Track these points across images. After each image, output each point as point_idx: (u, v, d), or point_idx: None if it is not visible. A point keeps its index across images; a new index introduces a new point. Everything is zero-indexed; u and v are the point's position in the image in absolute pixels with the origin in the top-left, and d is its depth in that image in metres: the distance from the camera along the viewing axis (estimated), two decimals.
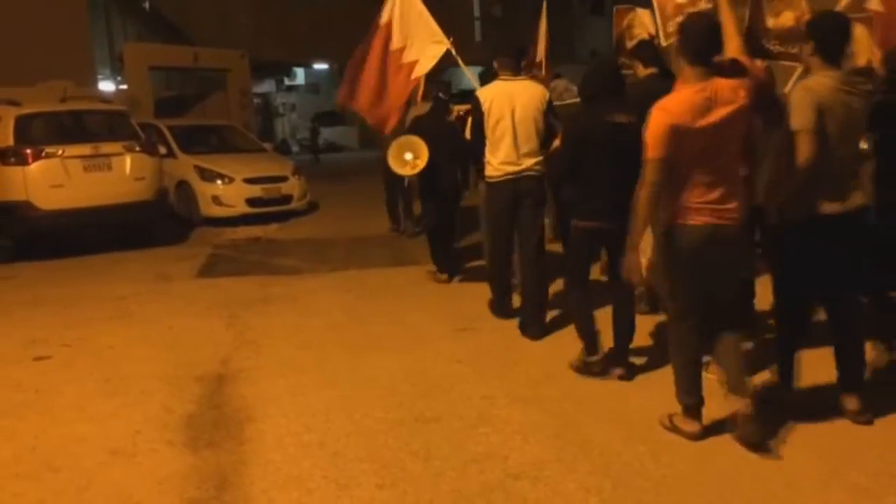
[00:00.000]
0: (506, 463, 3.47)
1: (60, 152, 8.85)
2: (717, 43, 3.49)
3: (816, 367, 4.14)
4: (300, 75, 35.94)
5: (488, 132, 5.23)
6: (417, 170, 6.38)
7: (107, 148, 9.23)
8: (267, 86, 35.05)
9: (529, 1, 11.77)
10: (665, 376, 4.37)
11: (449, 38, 6.08)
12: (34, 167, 8.73)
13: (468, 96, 5.77)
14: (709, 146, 3.36)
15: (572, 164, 4.37)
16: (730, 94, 3.38)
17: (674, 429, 3.70)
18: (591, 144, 4.25)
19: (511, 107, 5.15)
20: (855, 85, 3.60)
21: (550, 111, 5.25)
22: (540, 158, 5.24)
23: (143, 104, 15.35)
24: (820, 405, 3.85)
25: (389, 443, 3.73)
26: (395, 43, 6.00)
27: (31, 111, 9.22)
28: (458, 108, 6.96)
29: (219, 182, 11.27)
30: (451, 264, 7.16)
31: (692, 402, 3.65)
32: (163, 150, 10.91)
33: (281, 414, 4.15)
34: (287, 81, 36.27)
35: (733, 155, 3.48)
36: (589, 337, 4.53)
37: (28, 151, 8.73)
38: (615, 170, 4.16)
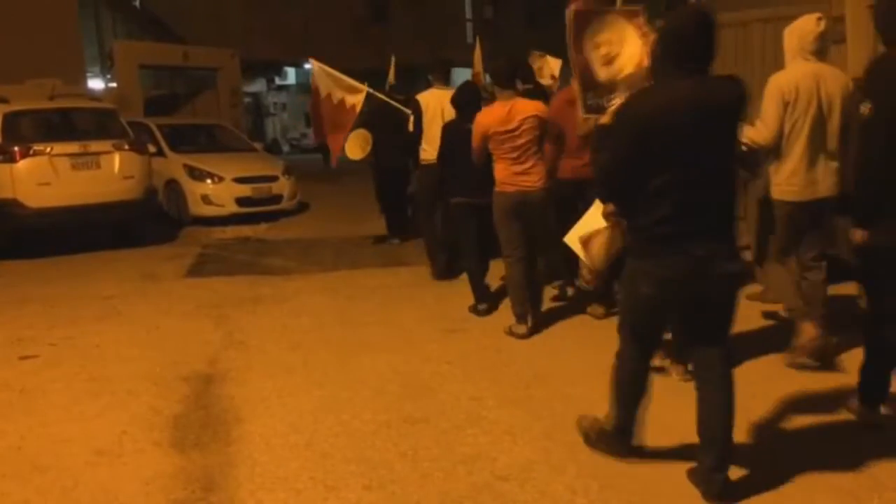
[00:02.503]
0: (494, 464, 3.47)
1: (48, 150, 8.80)
2: (521, 73, 5.96)
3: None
4: (291, 75, 35.90)
5: (425, 127, 6.77)
6: (365, 153, 8.43)
7: (95, 146, 9.19)
8: (258, 85, 35.00)
9: (519, 3, 11.94)
10: (656, 381, 4.39)
11: (364, 83, 8.02)
12: (22, 165, 8.68)
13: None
14: (509, 140, 5.12)
15: (447, 154, 6.02)
16: (523, 108, 5.15)
17: (510, 333, 5.33)
18: (457, 143, 5.71)
19: (440, 108, 6.64)
20: None
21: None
22: None
23: (132, 102, 15.26)
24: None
25: (377, 444, 3.72)
26: (323, 93, 8.15)
27: (19, 108, 9.17)
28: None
29: (208, 181, 11.24)
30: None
31: (521, 311, 5.33)
32: (152, 148, 10.84)
33: (269, 415, 4.13)
34: (278, 81, 36.23)
35: (527, 145, 5.15)
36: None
37: (16, 149, 8.68)
38: (469, 159, 5.49)
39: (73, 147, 9.01)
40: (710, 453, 3.13)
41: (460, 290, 6.54)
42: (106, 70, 20.02)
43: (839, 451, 3.49)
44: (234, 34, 26.33)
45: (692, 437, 3.63)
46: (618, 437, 3.43)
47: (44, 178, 8.76)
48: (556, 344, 5.22)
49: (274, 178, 11.88)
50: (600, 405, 3.94)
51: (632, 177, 3.02)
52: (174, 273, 8.02)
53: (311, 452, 3.66)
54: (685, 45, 2.98)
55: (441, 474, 3.40)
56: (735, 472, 3.30)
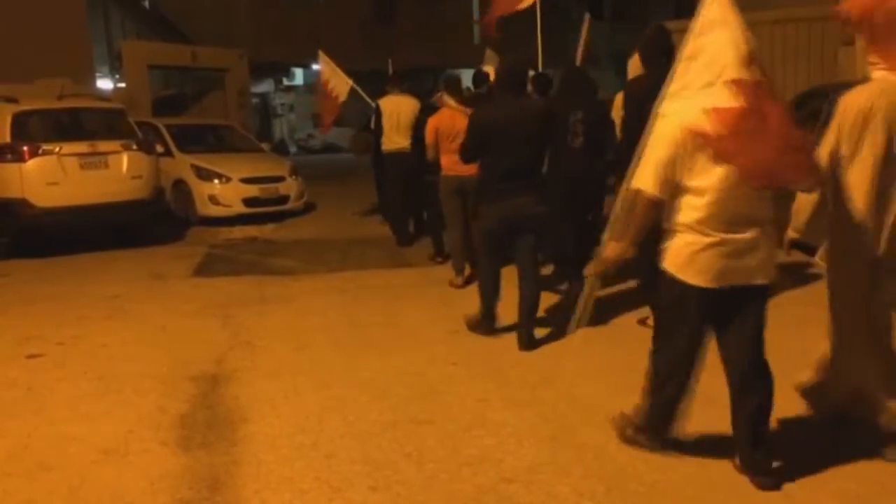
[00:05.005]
0: (500, 466, 3.47)
1: (57, 150, 8.83)
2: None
3: None
4: (299, 75, 35.95)
5: (385, 125, 8.63)
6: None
7: (104, 146, 9.22)
8: (265, 86, 35.05)
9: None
10: None
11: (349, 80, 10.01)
12: (31, 164, 8.70)
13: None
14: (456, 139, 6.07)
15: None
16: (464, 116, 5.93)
17: (451, 285, 6.90)
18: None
19: (398, 111, 8.59)
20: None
21: (422, 117, 7.87)
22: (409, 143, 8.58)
23: (140, 103, 15.33)
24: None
25: (383, 445, 3.72)
26: (325, 82, 10.44)
27: (29, 108, 9.19)
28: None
29: (216, 181, 11.25)
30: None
31: (461, 266, 6.92)
32: (160, 148, 10.89)
33: (274, 415, 4.14)
34: (286, 81, 36.27)
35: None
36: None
37: (25, 148, 8.70)
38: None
39: (81, 147, 9.04)
40: (521, 314, 5.19)
41: (467, 292, 6.55)
42: (115, 70, 20.11)
43: (847, 455, 3.47)
44: (243, 35, 26.41)
45: (699, 439, 3.62)
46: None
47: (52, 178, 8.78)
48: (561, 345, 5.21)
49: (281, 179, 11.89)
50: (607, 406, 3.94)
51: (477, 154, 5.23)
52: (181, 273, 8.04)
53: (316, 453, 3.66)
54: (508, 81, 5.17)
55: (446, 476, 3.39)
56: (743, 476, 3.29)
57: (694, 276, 3.13)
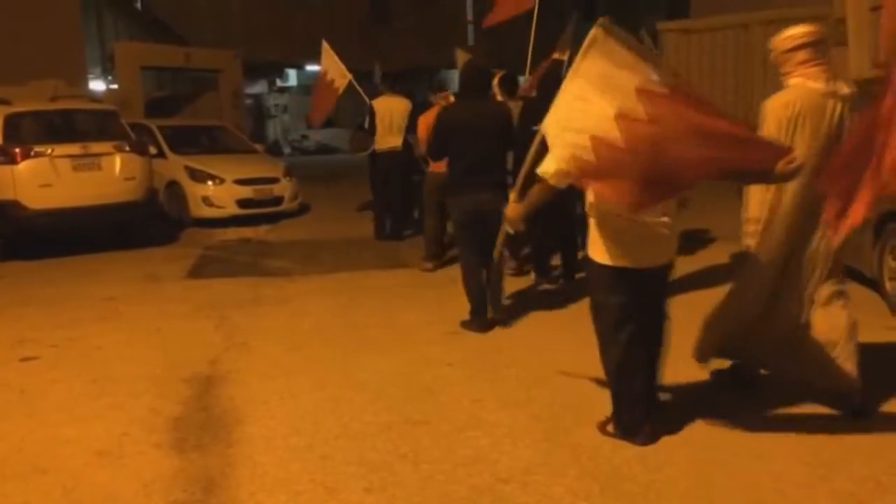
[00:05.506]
0: (495, 467, 3.46)
1: (50, 151, 8.80)
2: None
3: None
4: (293, 77, 35.91)
5: (378, 124, 9.03)
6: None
7: (96, 147, 9.19)
8: (259, 87, 34.99)
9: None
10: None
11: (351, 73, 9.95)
12: (23, 166, 8.67)
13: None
14: None
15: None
16: None
17: (422, 269, 7.50)
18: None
19: (391, 112, 9.04)
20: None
21: (413, 116, 8.53)
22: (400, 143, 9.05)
23: (133, 104, 15.27)
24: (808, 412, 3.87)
25: (378, 446, 3.72)
26: (324, 73, 10.35)
27: (21, 110, 9.17)
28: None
29: (209, 183, 11.23)
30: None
31: (435, 251, 7.57)
32: (153, 150, 10.83)
33: (269, 416, 4.13)
34: (279, 83, 36.22)
35: None
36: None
37: (17, 150, 8.67)
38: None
39: (74, 148, 9.00)
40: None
41: (461, 292, 6.55)
42: (107, 71, 20.06)
43: (842, 454, 3.48)
44: (236, 36, 26.36)
45: (695, 440, 3.63)
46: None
47: (45, 180, 8.75)
48: (556, 345, 5.21)
49: (275, 180, 11.87)
50: (602, 406, 3.95)
51: (440, 151, 5.69)
52: (175, 274, 8.02)
53: (311, 454, 3.66)
54: (470, 82, 5.60)
55: (442, 476, 3.39)
56: (738, 476, 3.30)
57: (612, 259, 3.54)
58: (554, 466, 3.45)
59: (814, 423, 3.78)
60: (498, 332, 5.44)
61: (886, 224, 5.44)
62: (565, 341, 5.26)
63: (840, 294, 3.79)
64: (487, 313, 5.59)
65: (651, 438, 3.62)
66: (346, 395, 4.40)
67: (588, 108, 3.23)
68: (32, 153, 8.72)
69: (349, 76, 9.98)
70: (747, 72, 12.05)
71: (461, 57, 9.72)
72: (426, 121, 7.13)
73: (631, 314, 3.58)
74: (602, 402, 4.15)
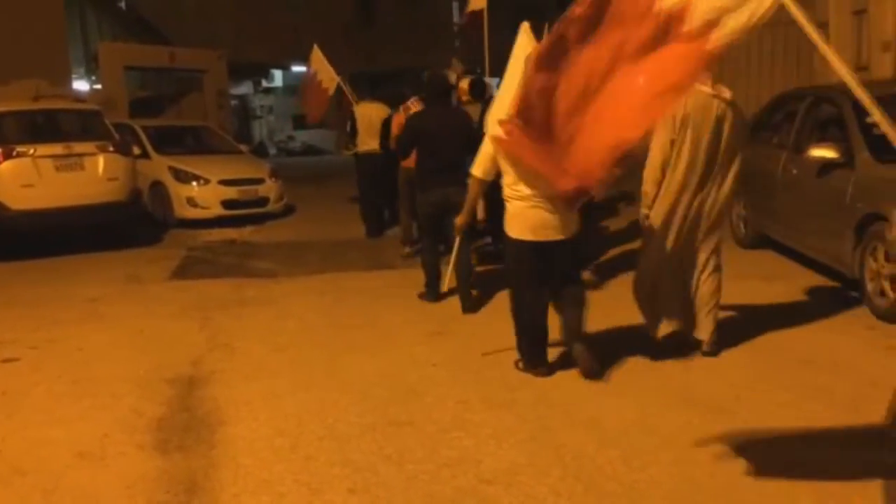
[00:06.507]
0: (479, 468, 3.47)
1: (32, 151, 8.72)
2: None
3: None
4: (278, 77, 35.83)
5: (360, 128, 9.68)
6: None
7: (79, 148, 9.12)
8: (244, 87, 34.89)
9: (504, 9, 12.21)
10: (640, 382, 4.41)
11: (341, 76, 10.86)
12: (5, 166, 8.60)
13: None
14: None
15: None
16: None
17: (402, 256, 8.14)
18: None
19: (370, 117, 9.48)
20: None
21: (385, 122, 8.67)
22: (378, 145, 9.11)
23: (117, 104, 15.19)
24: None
25: (362, 447, 3.71)
26: (314, 74, 11.15)
27: (3, 109, 9.10)
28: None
29: (194, 183, 11.17)
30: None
31: (410, 238, 8.26)
32: (137, 150, 10.79)
33: (253, 417, 4.11)
34: (265, 83, 36.14)
35: None
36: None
37: None
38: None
39: (56, 148, 8.94)
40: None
41: (447, 294, 6.56)
42: (91, 71, 19.93)
43: (823, 458, 3.50)
44: (222, 36, 26.24)
45: (678, 440, 3.65)
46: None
47: (27, 180, 8.68)
48: None
49: (260, 181, 11.82)
50: (586, 407, 3.97)
51: (407, 150, 6.57)
52: (159, 275, 7.97)
53: (295, 455, 3.64)
54: (434, 91, 6.50)
55: (426, 477, 3.39)
56: (720, 476, 3.32)
57: (519, 233, 4.44)
58: (538, 467, 3.45)
59: (795, 423, 3.81)
60: (482, 333, 5.44)
61: (867, 226, 5.48)
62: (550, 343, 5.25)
63: (716, 267, 4.76)
64: (440, 288, 6.43)
65: (549, 372, 4.56)
66: (331, 396, 4.39)
67: (506, 97, 3.93)
68: (14, 153, 8.65)
69: (337, 79, 10.58)
70: (726, 70, 12.16)
71: (455, 66, 10.10)
72: (399, 121, 7.74)
73: (534, 276, 4.49)
74: (587, 403, 4.17)
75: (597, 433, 3.78)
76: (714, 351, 4.77)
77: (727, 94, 4.56)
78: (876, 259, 5.41)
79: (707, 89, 4.49)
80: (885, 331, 5.19)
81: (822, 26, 11.61)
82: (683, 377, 4.49)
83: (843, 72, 2.53)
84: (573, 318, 4.58)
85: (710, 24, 2.76)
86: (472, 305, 6.13)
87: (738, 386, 4.31)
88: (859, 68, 11.41)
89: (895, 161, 5.16)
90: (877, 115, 2.48)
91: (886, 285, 5.30)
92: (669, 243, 4.69)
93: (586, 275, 6.11)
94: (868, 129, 5.62)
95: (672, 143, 4.52)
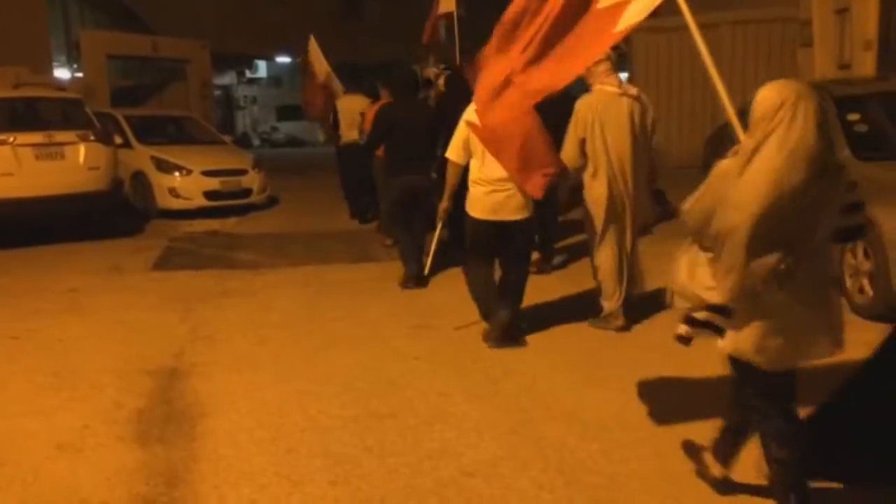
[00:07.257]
0: (460, 460, 3.48)
1: (11, 140, 8.64)
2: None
3: None
4: (262, 68, 35.65)
5: (341, 119, 10.12)
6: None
7: (60, 136, 9.04)
8: (228, 78, 34.67)
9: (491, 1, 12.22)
10: (622, 377, 4.43)
11: (331, 64, 11.39)
12: None
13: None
14: None
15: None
16: None
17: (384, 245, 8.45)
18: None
19: (352, 109, 9.86)
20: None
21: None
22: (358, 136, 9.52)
23: (99, 93, 15.06)
24: None
25: (344, 439, 3.71)
26: (311, 67, 11.55)
27: None
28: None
29: (176, 174, 11.10)
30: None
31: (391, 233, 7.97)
32: (119, 139, 10.71)
33: (234, 409, 4.10)
34: (249, 74, 35.94)
35: None
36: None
37: None
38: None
39: (37, 137, 8.85)
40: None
41: (429, 287, 6.56)
42: (73, 60, 19.71)
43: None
44: (206, 26, 26.07)
45: (658, 433, 3.68)
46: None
47: (6, 169, 8.59)
48: (524, 343, 5.23)
49: (243, 172, 11.77)
50: (568, 400, 3.99)
51: (377, 142, 7.04)
52: (140, 266, 7.92)
53: (276, 447, 3.64)
54: (404, 86, 6.95)
55: (407, 469, 3.39)
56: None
57: (481, 213, 4.92)
58: (519, 459, 3.47)
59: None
60: (464, 328, 5.44)
61: None
62: (532, 337, 5.27)
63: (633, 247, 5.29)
64: (421, 272, 6.61)
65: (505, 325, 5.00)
66: (312, 388, 4.38)
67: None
68: None
69: (328, 70, 11.08)
70: (716, 70, 12.20)
71: (433, 63, 10.39)
72: (369, 116, 8.16)
73: (488, 250, 5.07)
74: (569, 396, 4.19)
75: (578, 426, 3.80)
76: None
77: (633, 90, 5.10)
78: (856, 256, 5.47)
79: (613, 89, 5.00)
80: (864, 326, 5.24)
81: (806, 24, 11.69)
82: (664, 371, 4.52)
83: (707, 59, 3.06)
84: (515, 285, 5.07)
85: (620, 4, 3.03)
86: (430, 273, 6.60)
87: (718, 381, 4.33)
88: (842, 66, 11.52)
89: (876, 159, 5.21)
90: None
91: (866, 282, 5.35)
92: (608, 226, 5.18)
93: (536, 256, 6.60)
94: (849, 128, 5.67)
95: (583, 141, 5.02)
